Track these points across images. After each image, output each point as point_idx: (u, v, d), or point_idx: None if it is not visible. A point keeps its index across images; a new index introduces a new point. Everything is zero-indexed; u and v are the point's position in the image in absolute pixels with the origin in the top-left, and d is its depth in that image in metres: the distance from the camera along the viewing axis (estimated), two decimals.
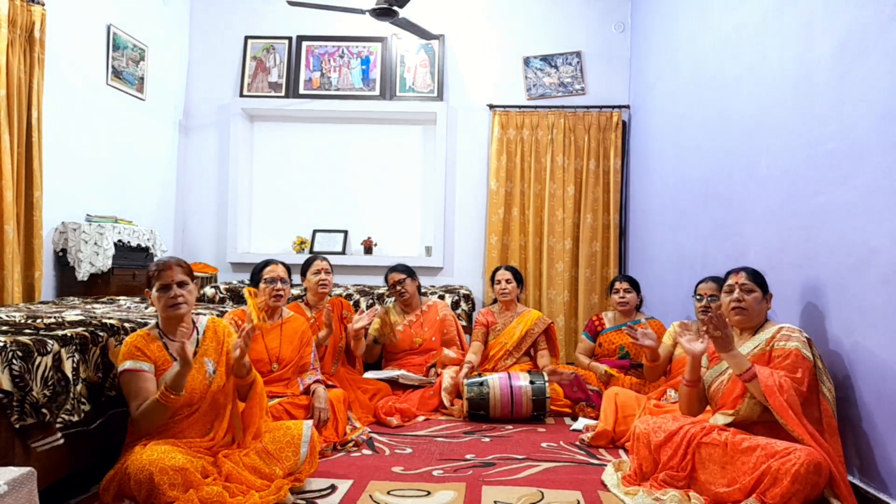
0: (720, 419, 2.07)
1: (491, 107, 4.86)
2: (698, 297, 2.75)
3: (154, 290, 1.99)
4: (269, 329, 2.70)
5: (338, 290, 4.27)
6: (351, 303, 4.10)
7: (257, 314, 2.35)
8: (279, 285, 2.71)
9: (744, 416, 2.00)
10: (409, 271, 3.61)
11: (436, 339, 3.58)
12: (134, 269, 3.95)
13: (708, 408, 2.26)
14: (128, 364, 1.92)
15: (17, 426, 1.67)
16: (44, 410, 1.71)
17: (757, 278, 2.15)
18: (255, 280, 2.77)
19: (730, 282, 2.18)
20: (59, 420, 1.78)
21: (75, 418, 1.83)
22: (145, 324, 2.25)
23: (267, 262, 2.79)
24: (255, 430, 2.07)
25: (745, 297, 2.13)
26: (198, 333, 2.11)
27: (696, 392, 2.20)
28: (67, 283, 3.66)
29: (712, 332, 2.00)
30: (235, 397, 2.11)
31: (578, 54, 4.89)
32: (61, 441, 1.75)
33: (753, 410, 1.98)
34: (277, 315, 2.77)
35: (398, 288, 3.57)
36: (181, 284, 2.00)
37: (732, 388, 2.07)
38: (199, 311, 2.79)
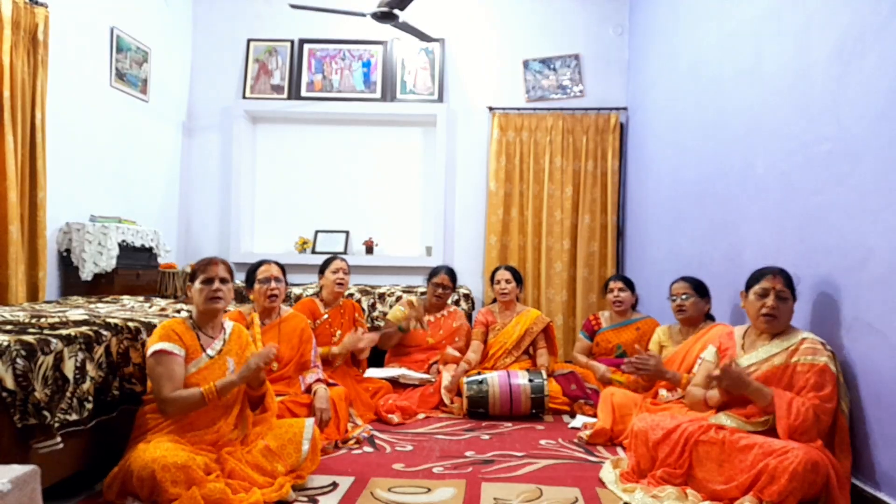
0: (724, 419, 2.06)
1: (490, 109, 4.88)
2: (672, 297, 2.80)
3: (197, 282, 2.11)
4: (266, 328, 2.72)
5: None
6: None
7: (262, 335, 2.46)
8: (273, 284, 2.73)
9: (763, 427, 1.98)
10: (455, 282, 3.75)
11: (446, 342, 3.65)
12: (138, 269, 3.97)
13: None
14: (163, 345, 1.98)
15: (19, 425, 1.68)
16: (45, 412, 1.72)
17: (791, 283, 2.08)
18: (250, 281, 2.79)
19: (764, 285, 2.07)
20: (56, 420, 1.78)
21: (72, 417, 1.84)
22: (150, 323, 2.28)
23: (260, 263, 2.82)
24: (266, 422, 2.15)
25: (779, 306, 2.04)
26: (225, 333, 2.19)
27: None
28: (71, 282, 3.69)
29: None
30: (245, 400, 2.15)
31: (577, 57, 4.91)
32: (61, 445, 1.76)
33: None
34: (275, 314, 2.79)
35: (440, 291, 3.67)
36: (223, 281, 2.12)
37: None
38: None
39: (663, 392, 2.72)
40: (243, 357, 2.16)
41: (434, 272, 3.74)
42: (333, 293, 3.29)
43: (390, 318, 3.49)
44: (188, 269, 2.39)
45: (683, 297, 2.78)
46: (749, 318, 2.18)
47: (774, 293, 2.05)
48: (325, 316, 3.24)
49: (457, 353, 3.52)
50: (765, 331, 2.11)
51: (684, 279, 2.84)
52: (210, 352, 2.10)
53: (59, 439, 1.76)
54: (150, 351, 1.98)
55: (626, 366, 2.48)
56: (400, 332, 3.50)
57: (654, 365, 2.47)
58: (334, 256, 3.37)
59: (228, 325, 2.24)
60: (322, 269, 3.34)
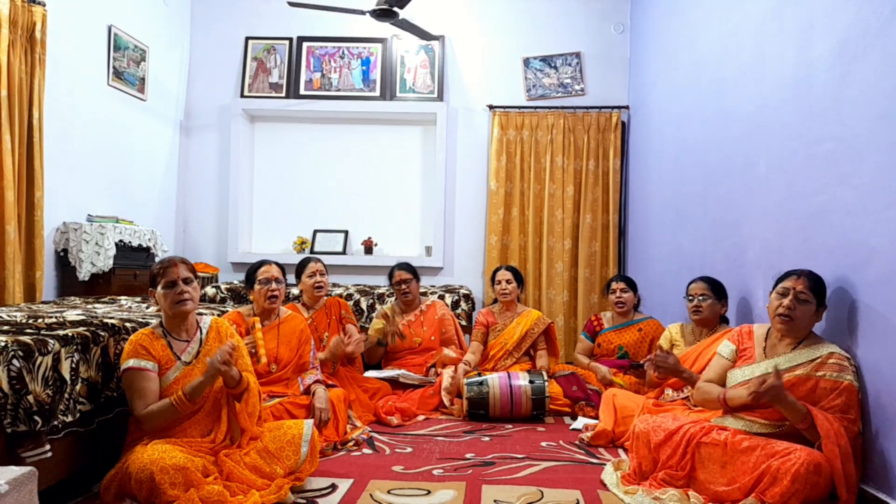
0: (731, 422, 2.04)
1: (491, 107, 4.86)
2: (689, 297, 2.77)
3: (159, 287, 2.00)
4: (266, 330, 2.70)
5: (338, 290, 4.27)
6: (351, 303, 4.11)
7: (263, 338, 2.41)
8: (274, 286, 2.70)
9: (782, 426, 1.94)
10: (415, 273, 3.64)
11: (435, 338, 3.59)
12: (135, 269, 3.95)
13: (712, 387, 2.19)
14: (131, 363, 1.93)
15: (9, 431, 1.65)
16: (36, 418, 1.70)
17: (818, 288, 2.00)
18: (250, 281, 2.76)
19: (786, 284, 2.02)
20: (54, 422, 1.76)
21: (69, 418, 1.82)
22: (147, 324, 2.25)
23: (261, 263, 2.78)
24: (250, 434, 2.06)
25: (796, 307, 1.97)
26: (201, 333, 2.12)
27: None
28: (68, 282, 3.67)
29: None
30: (232, 400, 2.10)
31: (578, 55, 4.90)
32: (49, 455, 1.73)
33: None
34: (274, 315, 2.77)
35: (403, 287, 3.58)
36: (186, 281, 2.02)
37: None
38: (201, 311, 2.80)
39: (669, 391, 2.70)
40: None
41: (389, 275, 3.64)
42: (313, 297, 3.23)
43: (370, 333, 3.44)
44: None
45: (701, 297, 2.72)
46: (770, 318, 2.11)
47: (794, 293, 1.99)
48: (309, 320, 3.17)
49: (454, 354, 3.49)
50: (781, 332, 2.04)
51: (703, 279, 2.77)
52: (185, 358, 2.03)
53: (47, 447, 1.73)
54: (121, 369, 1.94)
55: (646, 363, 2.46)
56: (380, 345, 3.46)
57: (672, 363, 2.44)
58: (309, 258, 3.26)
59: (205, 322, 2.15)
60: (298, 274, 3.26)
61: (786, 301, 1.99)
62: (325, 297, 3.34)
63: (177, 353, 2.03)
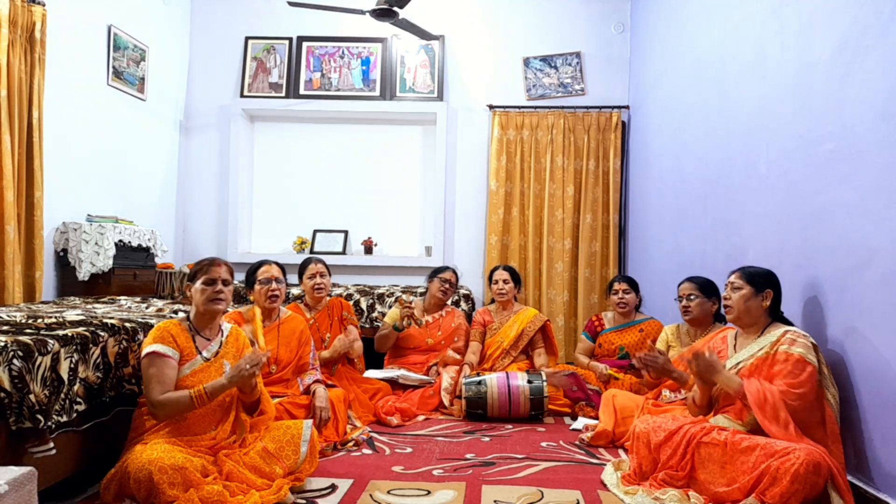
0: (722, 421, 2.07)
1: (491, 107, 4.86)
2: (679, 298, 2.79)
3: (198, 283, 2.07)
4: (266, 331, 2.70)
5: (338, 290, 4.27)
6: (351, 303, 4.10)
7: (263, 336, 2.41)
8: (274, 285, 2.69)
9: (752, 425, 1.99)
10: (458, 282, 3.72)
11: (445, 343, 3.60)
12: (134, 269, 3.95)
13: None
14: (157, 347, 1.96)
15: (13, 428, 1.66)
16: (39, 416, 1.70)
17: (750, 276, 2.15)
18: (250, 281, 2.75)
19: (726, 282, 2.23)
20: (51, 422, 1.76)
21: (64, 418, 1.82)
22: (146, 324, 2.25)
23: (261, 263, 2.77)
24: (259, 429, 2.10)
25: (730, 296, 2.16)
26: (222, 336, 2.16)
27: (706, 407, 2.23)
28: (68, 282, 3.67)
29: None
30: (240, 406, 2.12)
31: (578, 55, 4.89)
32: (53, 451, 1.74)
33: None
34: (275, 316, 2.77)
35: (446, 286, 3.61)
36: (225, 283, 2.09)
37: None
38: None
39: (666, 392, 2.70)
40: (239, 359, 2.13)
41: (440, 269, 3.68)
42: (314, 297, 3.22)
43: (387, 321, 3.44)
44: (186, 269, 2.36)
45: (689, 298, 2.75)
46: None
47: (729, 286, 2.18)
48: (311, 321, 3.17)
49: (457, 356, 3.49)
50: (734, 324, 2.20)
51: (690, 279, 2.81)
52: (206, 354, 2.08)
53: (51, 445, 1.74)
54: (143, 352, 1.97)
55: (636, 361, 2.47)
56: (395, 331, 3.45)
57: (662, 362, 2.44)
58: (310, 259, 3.24)
59: (226, 327, 2.21)
60: (300, 275, 3.26)
61: (724, 294, 2.21)
62: (328, 298, 3.33)
63: (199, 349, 2.07)
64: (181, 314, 2.22)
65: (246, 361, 1.96)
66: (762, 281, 2.14)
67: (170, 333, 2.00)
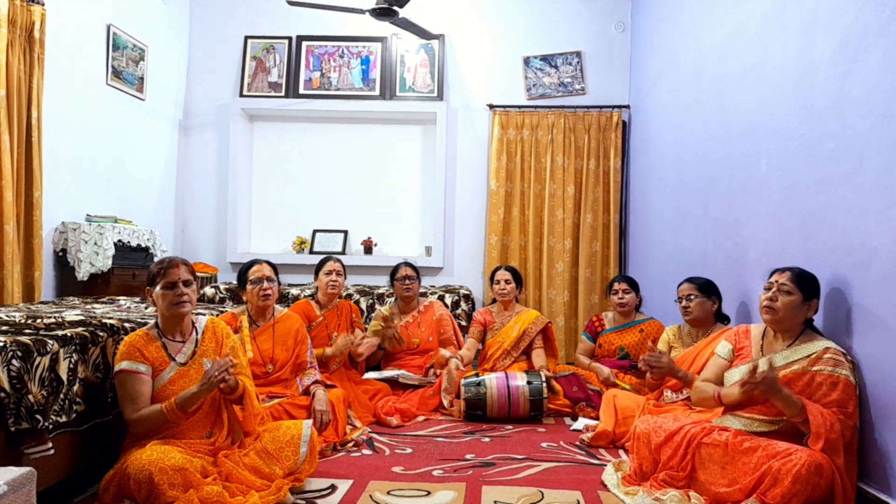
0: (730, 420, 2.04)
1: (491, 107, 4.85)
2: (678, 299, 2.79)
3: (158, 287, 1.98)
4: (261, 330, 2.69)
5: None
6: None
7: (252, 341, 2.40)
8: (265, 284, 2.67)
9: (785, 424, 1.92)
10: (418, 272, 3.64)
11: (433, 339, 3.57)
12: (134, 269, 3.94)
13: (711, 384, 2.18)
14: (124, 364, 1.92)
15: (12, 429, 1.65)
16: (38, 416, 1.70)
17: (802, 281, 2.01)
18: (242, 281, 2.73)
19: (771, 280, 2.07)
20: (49, 422, 1.76)
21: (63, 419, 1.81)
22: (145, 324, 2.25)
23: (252, 263, 2.75)
24: (254, 435, 2.07)
25: (778, 298, 2.00)
26: (197, 334, 2.10)
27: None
28: (67, 283, 3.66)
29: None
30: (228, 402, 2.09)
31: (578, 54, 4.89)
32: (52, 452, 1.73)
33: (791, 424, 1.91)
34: (269, 315, 2.75)
35: (406, 283, 3.55)
36: (186, 283, 2.00)
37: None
38: (199, 311, 2.79)
39: (668, 392, 2.70)
40: (223, 354, 2.09)
41: (394, 270, 3.61)
42: (327, 295, 3.25)
43: (369, 333, 3.43)
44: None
45: (689, 298, 2.74)
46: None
47: (777, 286, 2.02)
48: (321, 318, 3.20)
49: (450, 355, 3.45)
50: (769, 325, 2.06)
51: (689, 280, 2.81)
52: (180, 359, 2.02)
53: (49, 445, 1.73)
54: (114, 371, 1.93)
55: (640, 363, 2.46)
56: (379, 350, 3.44)
57: (666, 363, 2.43)
58: (328, 257, 3.32)
59: (201, 322, 2.13)
60: (316, 271, 3.31)
61: (769, 294, 2.03)
62: (339, 299, 3.36)
63: (171, 355, 2.01)
64: (151, 321, 2.15)
65: (214, 368, 1.90)
66: (812, 289, 2.02)
67: (136, 348, 1.94)
